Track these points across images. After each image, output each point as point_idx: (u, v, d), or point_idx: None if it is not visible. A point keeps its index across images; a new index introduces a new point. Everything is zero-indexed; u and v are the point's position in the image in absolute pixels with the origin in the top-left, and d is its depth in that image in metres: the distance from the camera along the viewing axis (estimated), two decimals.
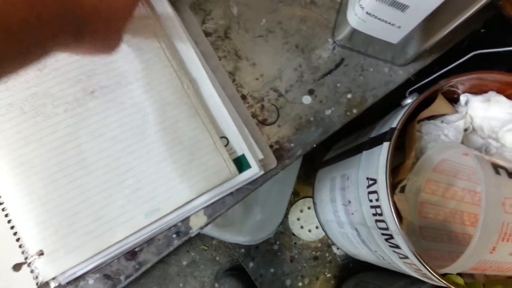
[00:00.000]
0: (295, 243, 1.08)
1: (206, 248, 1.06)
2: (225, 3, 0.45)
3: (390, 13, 0.37)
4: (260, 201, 0.85)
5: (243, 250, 1.06)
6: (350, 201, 0.60)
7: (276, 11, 0.46)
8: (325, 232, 0.92)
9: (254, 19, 0.45)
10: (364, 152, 0.55)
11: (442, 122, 0.55)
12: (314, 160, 1.00)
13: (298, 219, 1.06)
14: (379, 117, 0.62)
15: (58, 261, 0.35)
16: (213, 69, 0.42)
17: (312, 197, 0.90)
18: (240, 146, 0.40)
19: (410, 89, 0.53)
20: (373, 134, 0.56)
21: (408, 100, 0.54)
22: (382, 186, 0.47)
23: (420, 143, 0.54)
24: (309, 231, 1.06)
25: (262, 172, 0.41)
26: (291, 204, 1.04)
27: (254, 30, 0.45)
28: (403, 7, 0.36)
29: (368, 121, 0.65)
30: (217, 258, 1.07)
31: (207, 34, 0.44)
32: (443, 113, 0.55)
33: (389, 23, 0.39)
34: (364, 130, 0.63)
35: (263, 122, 0.43)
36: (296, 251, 1.07)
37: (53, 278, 0.35)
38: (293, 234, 1.07)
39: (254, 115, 0.43)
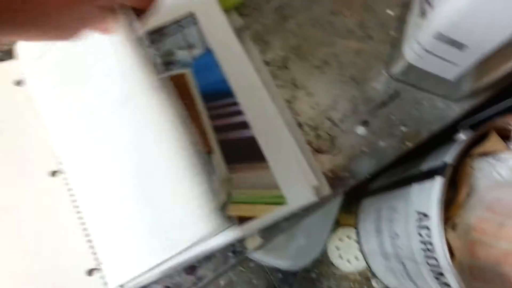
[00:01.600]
0: (334, 273, 1.06)
1: (244, 270, 1.06)
2: (284, 35, 0.47)
3: (447, 51, 0.38)
4: (303, 227, 0.85)
5: (280, 275, 1.05)
6: (397, 234, 0.59)
7: (332, 44, 0.47)
8: (367, 263, 0.90)
9: (312, 51, 0.47)
10: (414, 185, 0.55)
11: (494, 159, 0.54)
12: (357, 189, 0.99)
13: (337, 248, 1.05)
14: (427, 150, 0.61)
15: (125, 269, 0.37)
16: (272, 96, 0.44)
17: (356, 226, 0.89)
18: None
19: (463, 124, 0.53)
20: (424, 167, 0.55)
21: (461, 135, 0.54)
22: (434, 222, 0.47)
23: (471, 179, 0.53)
24: (348, 261, 1.04)
25: (316, 199, 0.42)
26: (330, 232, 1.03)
27: (311, 61, 0.47)
28: (461, 46, 0.37)
29: (416, 154, 0.64)
30: (254, 281, 1.07)
31: (267, 63, 0.46)
32: (496, 150, 0.54)
33: (446, 60, 0.39)
34: (412, 162, 0.63)
35: (318, 151, 0.44)
36: (334, 282, 1.05)
37: (121, 286, 0.37)
38: (332, 264, 1.06)
39: (309, 143, 0.45)
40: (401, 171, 0.65)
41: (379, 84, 0.46)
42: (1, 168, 0.42)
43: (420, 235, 0.52)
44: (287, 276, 1.04)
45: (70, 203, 0.40)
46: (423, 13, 0.39)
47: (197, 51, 0.45)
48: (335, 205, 0.90)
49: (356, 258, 1.03)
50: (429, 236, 0.50)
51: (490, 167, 0.53)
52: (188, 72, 0.45)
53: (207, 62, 0.45)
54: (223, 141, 0.43)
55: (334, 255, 1.04)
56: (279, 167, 0.42)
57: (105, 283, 0.37)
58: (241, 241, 0.42)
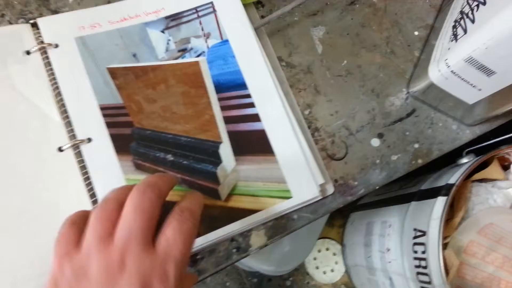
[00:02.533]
0: (308, 282, 1.07)
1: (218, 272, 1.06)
2: (312, 41, 0.48)
3: (475, 75, 0.39)
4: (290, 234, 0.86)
5: (255, 280, 1.05)
6: (389, 249, 0.60)
7: (357, 55, 0.48)
8: (349, 276, 0.91)
9: (336, 59, 0.48)
10: (413, 203, 0.56)
11: (492, 186, 0.56)
12: None
13: (314, 259, 1.06)
14: (425, 170, 0.63)
15: None
16: (284, 93, 0.45)
17: (341, 239, 0.90)
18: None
19: (468, 149, 0.54)
20: (424, 186, 0.57)
21: (464, 160, 0.56)
22: (433, 240, 0.48)
23: (468, 203, 0.55)
24: (324, 273, 1.05)
25: (320, 197, 0.42)
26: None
27: (334, 69, 0.48)
28: (490, 72, 0.38)
29: (413, 172, 0.66)
30: (228, 284, 1.07)
31: (292, 66, 0.47)
32: (495, 178, 0.56)
33: (471, 84, 0.41)
34: (410, 180, 0.64)
35: (331, 157, 0.45)
36: None
37: None
38: (307, 273, 1.07)
39: (324, 148, 0.45)
40: (397, 188, 0.67)
41: (398, 100, 0.47)
42: None
43: (415, 251, 0.53)
44: (261, 281, 1.04)
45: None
46: (455, 37, 0.41)
47: (213, 40, 0.45)
48: (324, 217, 0.91)
49: (332, 270, 1.04)
50: (424, 253, 0.51)
51: (487, 193, 0.55)
52: (202, 60, 0.44)
53: (222, 51, 0.45)
54: (232, 132, 0.43)
55: (310, 265, 1.05)
56: (287, 162, 0.42)
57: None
58: (246, 238, 0.42)
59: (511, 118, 0.50)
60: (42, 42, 0.42)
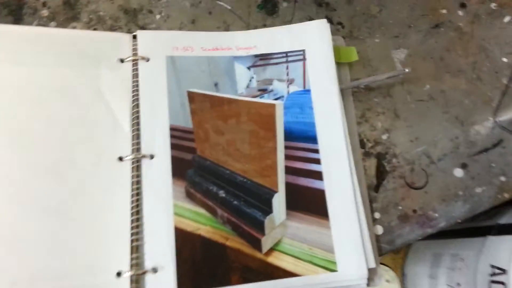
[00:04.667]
0: None
1: None
2: (392, 63, 0.47)
3: None
4: None
5: None
6: (459, 284, 0.57)
7: (441, 80, 0.46)
8: None
9: (418, 83, 0.46)
10: (490, 237, 0.53)
11: None
12: None
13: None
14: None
15: None
16: (355, 161, 0.43)
17: (401, 267, 0.87)
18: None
19: None
20: (504, 221, 0.53)
21: None
22: None
23: None
24: None
25: (366, 283, 0.38)
26: None
27: (416, 94, 0.46)
28: None
29: None
30: None
31: (371, 89, 0.46)
32: None
33: None
34: (485, 212, 0.61)
35: (410, 185, 0.43)
36: None
37: None
38: None
39: (402, 176, 0.43)
40: (468, 219, 0.63)
41: (484, 129, 0.45)
42: None
43: None
44: None
45: None
46: None
47: (295, 87, 0.44)
48: None
49: None
50: None
51: None
52: (279, 104, 0.43)
53: (301, 100, 0.44)
54: (291, 184, 0.41)
55: None
56: (340, 231, 0.39)
57: None
58: None
59: None
60: (136, 54, 0.43)
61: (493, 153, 0.44)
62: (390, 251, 0.42)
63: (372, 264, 0.39)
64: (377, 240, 0.41)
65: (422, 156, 0.44)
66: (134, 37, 0.44)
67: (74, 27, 0.44)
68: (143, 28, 0.45)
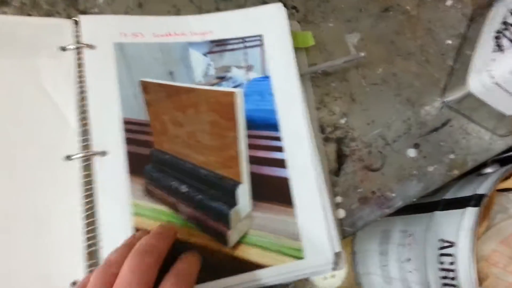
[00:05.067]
0: (309, 287, 1.06)
1: None
2: (347, 47, 0.47)
3: None
4: None
5: None
6: (409, 259, 0.59)
7: (392, 63, 0.47)
8: (360, 284, 0.90)
9: (372, 66, 0.47)
10: (437, 213, 0.56)
11: None
12: None
13: None
14: None
15: None
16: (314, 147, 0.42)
17: (351, 245, 0.90)
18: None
19: (492, 159, 0.54)
20: (448, 196, 0.56)
21: (489, 169, 0.55)
22: (464, 251, 0.47)
23: (491, 212, 0.55)
24: (325, 277, 1.04)
25: (332, 268, 0.39)
26: None
27: (370, 77, 0.46)
28: None
29: None
30: None
31: (328, 74, 0.45)
32: None
33: None
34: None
35: (368, 167, 0.44)
36: None
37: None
38: (306, 279, 1.05)
39: (361, 159, 0.44)
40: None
41: (433, 110, 0.47)
42: None
43: (441, 262, 0.52)
44: None
45: None
46: (500, 48, 0.40)
47: (254, 74, 0.43)
48: None
49: (333, 276, 1.03)
50: (452, 264, 0.50)
51: (508, 202, 0.55)
52: (238, 92, 0.42)
53: (261, 87, 0.42)
54: (255, 174, 0.40)
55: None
56: (305, 219, 0.39)
57: None
58: None
59: None
60: (79, 41, 0.39)
61: (442, 132, 0.46)
62: (352, 234, 0.42)
63: (337, 248, 0.39)
64: (340, 224, 0.42)
65: (378, 138, 0.45)
66: (76, 22, 0.40)
67: (4, 13, 0.39)
68: (84, 13, 0.41)
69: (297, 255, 0.38)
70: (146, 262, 0.28)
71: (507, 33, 0.40)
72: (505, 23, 0.41)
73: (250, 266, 0.37)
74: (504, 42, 0.40)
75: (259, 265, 0.37)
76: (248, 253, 0.37)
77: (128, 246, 0.31)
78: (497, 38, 0.41)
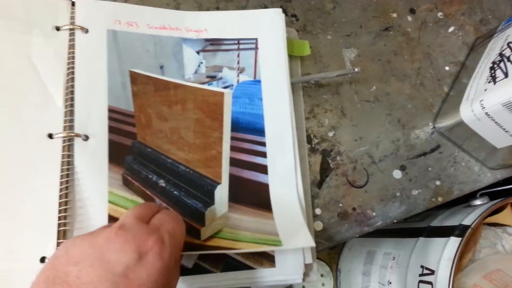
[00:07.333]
0: None
1: None
2: (343, 62, 0.47)
3: (510, 120, 0.38)
4: None
5: None
6: (390, 282, 0.58)
7: (386, 82, 0.47)
8: None
9: (365, 83, 0.47)
10: (422, 239, 0.55)
11: (502, 232, 0.55)
12: None
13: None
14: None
15: None
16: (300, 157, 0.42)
17: (335, 262, 0.89)
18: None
19: (482, 192, 0.53)
20: (435, 223, 0.55)
21: (478, 201, 0.55)
22: (442, 281, 0.47)
23: (476, 246, 0.54)
24: None
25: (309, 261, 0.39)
26: None
27: (363, 94, 0.46)
28: None
29: None
30: None
31: (320, 85, 0.45)
32: (506, 223, 0.55)
33: (504, 129, 0.40)
34: (418, 214, 0.63)
35: (351, 183, 0.44)
36: None
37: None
38: None
39: (344, 174, 0.44)
40: (401, 220, 0.65)
41: (423, 134, 0.46)
42: None
43: None
44: None
45: None
46: (493, 79, 0.40)
47: (245, 77, 0.43)
48: None
49: None
50: None
51: (496, 238, 0.54)
52: (227, 93, 0.42)
53: (251, 90, 0.42)
54: (235, 176, 0.40)
55: (297, 285, 1.03)
56: (281, 226, 0.38)
57: None
58: None
59: None
60: (74, 22, 0.39)
61: (431, 158, 0.46)
62: (327, 248, 0.42)
63: (309, 260, 0.39)
64: (316, 236, 0.42)
65: (364, 155, 0.45)
66: (73, 4, 0.40)
67: None
68: None
69: (275, 243, 0.36)
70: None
71: (502, 64, 0.40)
72: (501, 54, 0.41)
73: (222, 250, 0.36)
74: (498, 73, 0.39)
75: (231, 249, 0.36)
76: (220, 243, 0.37)
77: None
78: (492, 69, 0.41)
